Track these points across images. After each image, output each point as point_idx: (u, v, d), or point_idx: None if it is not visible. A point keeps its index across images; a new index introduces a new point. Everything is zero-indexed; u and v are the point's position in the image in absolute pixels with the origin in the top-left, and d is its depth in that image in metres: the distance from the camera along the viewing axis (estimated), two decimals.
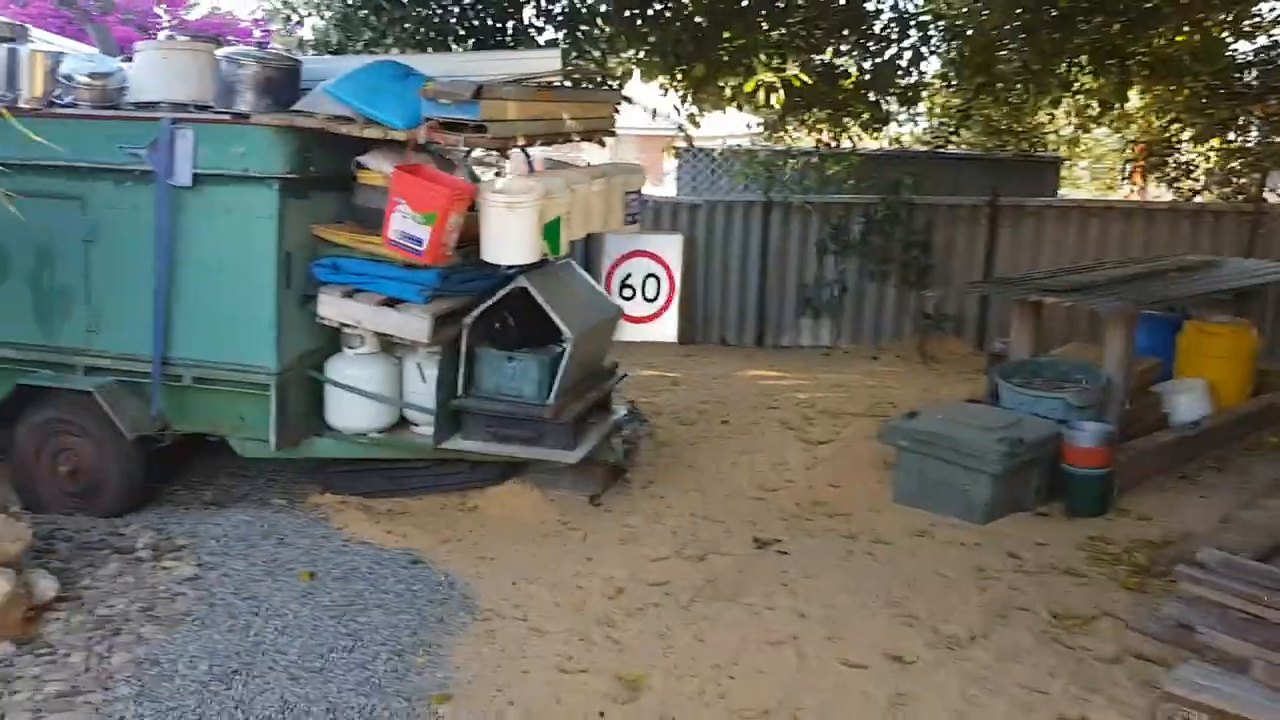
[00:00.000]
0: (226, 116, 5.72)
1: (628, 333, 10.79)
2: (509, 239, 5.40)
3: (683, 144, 9.50)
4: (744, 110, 9.42)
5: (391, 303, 5.81)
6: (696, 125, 9.23)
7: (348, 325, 5.86)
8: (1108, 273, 7.62)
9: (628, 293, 11.06)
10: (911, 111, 12.44)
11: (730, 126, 11.44)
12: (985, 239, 10.73)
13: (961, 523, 5.90)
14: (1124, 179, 16.24)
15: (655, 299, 11.04)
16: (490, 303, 5.98)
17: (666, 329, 10.98)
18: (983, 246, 10.74)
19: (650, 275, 11.04)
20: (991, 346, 9.69)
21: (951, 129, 12.87)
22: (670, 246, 11.04)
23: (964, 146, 13.25)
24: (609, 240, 10.71)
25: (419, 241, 5.16)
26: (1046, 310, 7.11)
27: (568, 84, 6.70)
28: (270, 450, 5.93)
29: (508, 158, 5.51)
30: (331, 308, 5.83)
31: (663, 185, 16.61)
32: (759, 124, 10.22)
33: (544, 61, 5.95)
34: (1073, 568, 5.36)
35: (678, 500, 6.26)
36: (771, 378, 9.36)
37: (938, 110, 13.54)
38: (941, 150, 12.35)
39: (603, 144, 6.87)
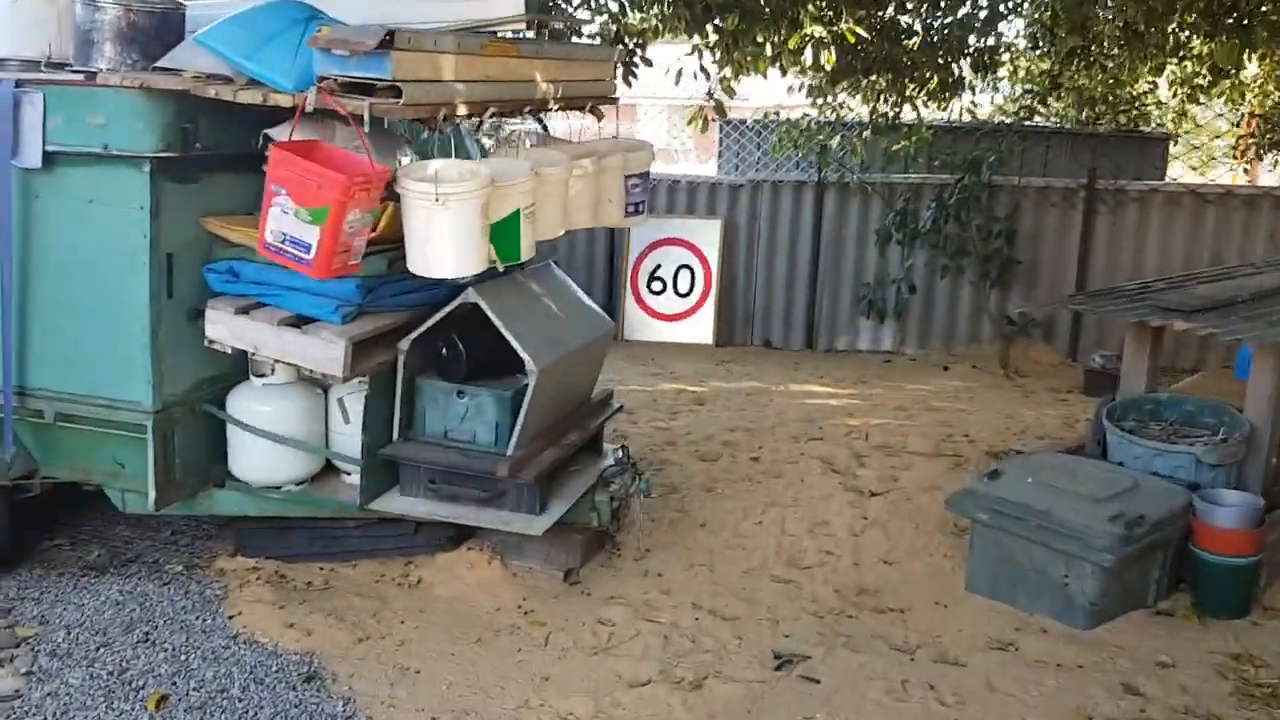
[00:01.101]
0: (80, 77, 4.34)
1: (656, 332, 9.37)
2: (440, 243, 3.96)
3: (715, 113, 7.92)
4: (788, 73, 7.83)
5: (301, 321, 4.41)
6: (731, 92, 7.68)
7: (244, 350, 4.47)
8: (1246, 281, 5.96)
9: (657, 286, 9.59)
10: (990, 79, 10.75)
11: (779, 95, 9.84)
12: (1080, 228, 9.07)
13: (1059, 626, 4.38)
14: (1235, 159, 14.34)
15: (688, 294, 9.55)
16: (433, 321, 4.56)
17: (700, 329, 9.49)
18: (1076, 237, 9.08)
19: (683, 266, 9.55)
20: (1089, 361, 8.10)
21: (1037, 99, 11.15)
22: (707, 233, 9.54)
23: (1052, 119, 11.51)
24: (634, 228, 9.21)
25: (305, 247, 3.74)
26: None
27: (547, 38, 5.22)
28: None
29: (440, 132, 4.04)
30: (221, 327, 4.44)
31: (706, 163, 15.05)
32: (807, 89, 8.60)
33: (503, 5, 4.47)
34: (1214, 712, 3.82)
35: (678, 581, 4.80)
36: (819, 395, 7.82)
37: (1021, 76, 11.81)
38: (1028, 124, 10.63)
39: (599, 114, 5.39)
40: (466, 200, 3.89)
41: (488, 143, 7.77)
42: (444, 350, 4.65)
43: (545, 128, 6.47)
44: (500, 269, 4.24)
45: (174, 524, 5.32)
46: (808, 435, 6.71)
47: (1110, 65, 10.66)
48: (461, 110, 4.07)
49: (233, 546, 5.07)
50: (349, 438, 4.72)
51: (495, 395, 4.60)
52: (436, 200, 3.83)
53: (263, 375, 4.66)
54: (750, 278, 9.66)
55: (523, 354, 4.44)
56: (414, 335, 4.57)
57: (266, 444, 4.63)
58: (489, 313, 4.46)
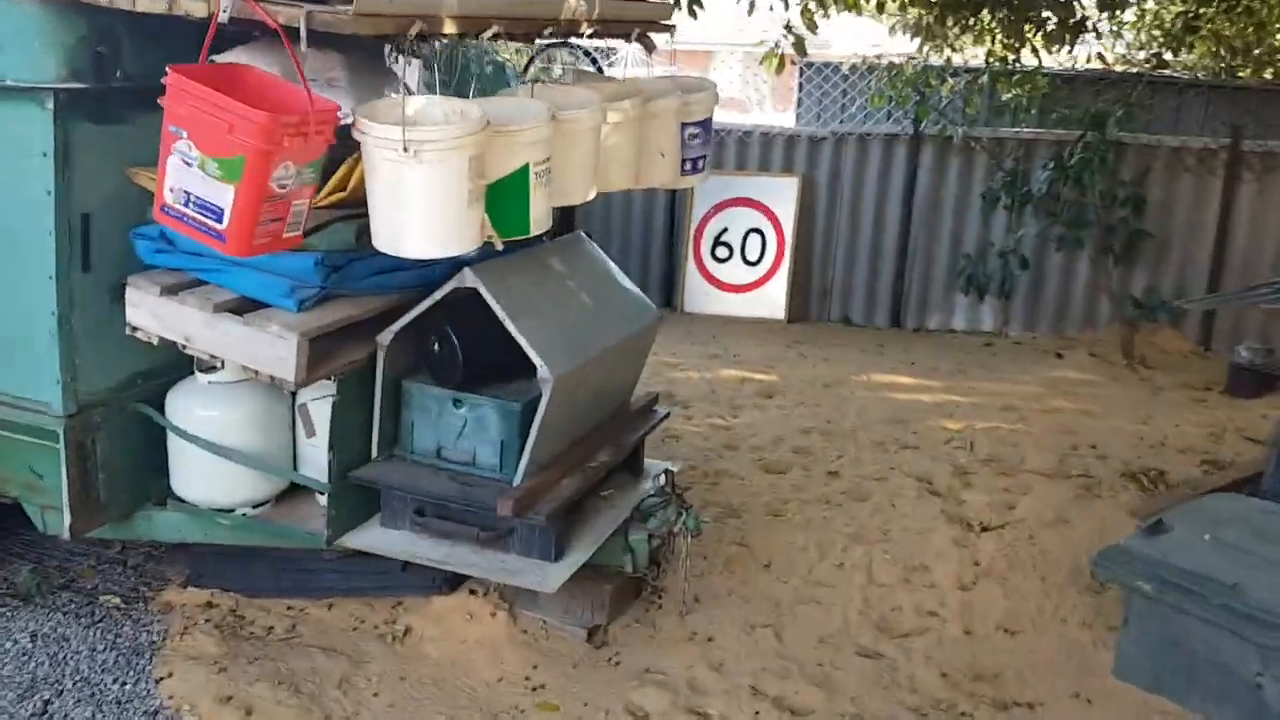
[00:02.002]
0: None
1: (720, 304, 8.24)
2: (412, 211, 2.88)
3: (794, 52, 6.72)
4: (887, 8, 6.60)
5: (247, 306, 3.39)
6: (813, 26, 6.47)
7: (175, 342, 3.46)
8: None
9: (722, 252, 8.44)
10: (1115, 21, 9.37)
11: (861, 42, 8.57)
12: (1219, 197, 7.72)
13: None
14: None
15: (759, 262, 8.39)
16: (421, 310, 3.50)
17: (770, 302, 8.33)
18: (1215, 207, 7.74)
19: (753, 230, 8.39)
20: (1235, 355, 6.81)
21: (1169, 46, 9.73)
22: (781, 193, 8.35)
23: (1185, 70, 10.06)
24: (697, 187, 8.06)
25: (215, 213, 2.68)
26: None
27: None
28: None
29: (415, 58, 2.94)
30: (144, 311, 3.43)
31: (783, 112, 13.77)
32: (912, 28, 7.34)
33: None
34: None
35: (734, 649, 3.73)
36: (909, 388, 6.65)
37: (1149, 21, 10.38)
38: (1162, 74, 9.23)
39: (649, 45, 4.25)
40: (449, 152, 2.80)
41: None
42: (437, 346, 3.60)
43: (596, 63, 5.31)
44: (499, 246, 3.15)
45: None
46: (898, 442, 5.56)
47: (1256, 9, 9.24)
48: (448, 27, 2.97)
49: (185, 573, 4.10)
50: (321, 452, 3.71)
51: (501, 407, 3.54)
52: (406, 151, 2.74)
53: (210, 371, 3.64)
54: (830, 245, 8.46)
55: (535, 357, 3.36)
56: (397, 327, 3.52)
57: (214, 457, 3.63)
58: (491, 302, 3.39)
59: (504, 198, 3.15)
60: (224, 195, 2.64)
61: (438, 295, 3.45)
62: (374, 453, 3.65)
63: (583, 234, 4.17)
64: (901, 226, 8.28)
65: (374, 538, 3.65)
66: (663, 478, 3.93)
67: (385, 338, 3.52)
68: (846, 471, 5.17)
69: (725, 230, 8.42)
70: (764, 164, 8.50)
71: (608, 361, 3.79)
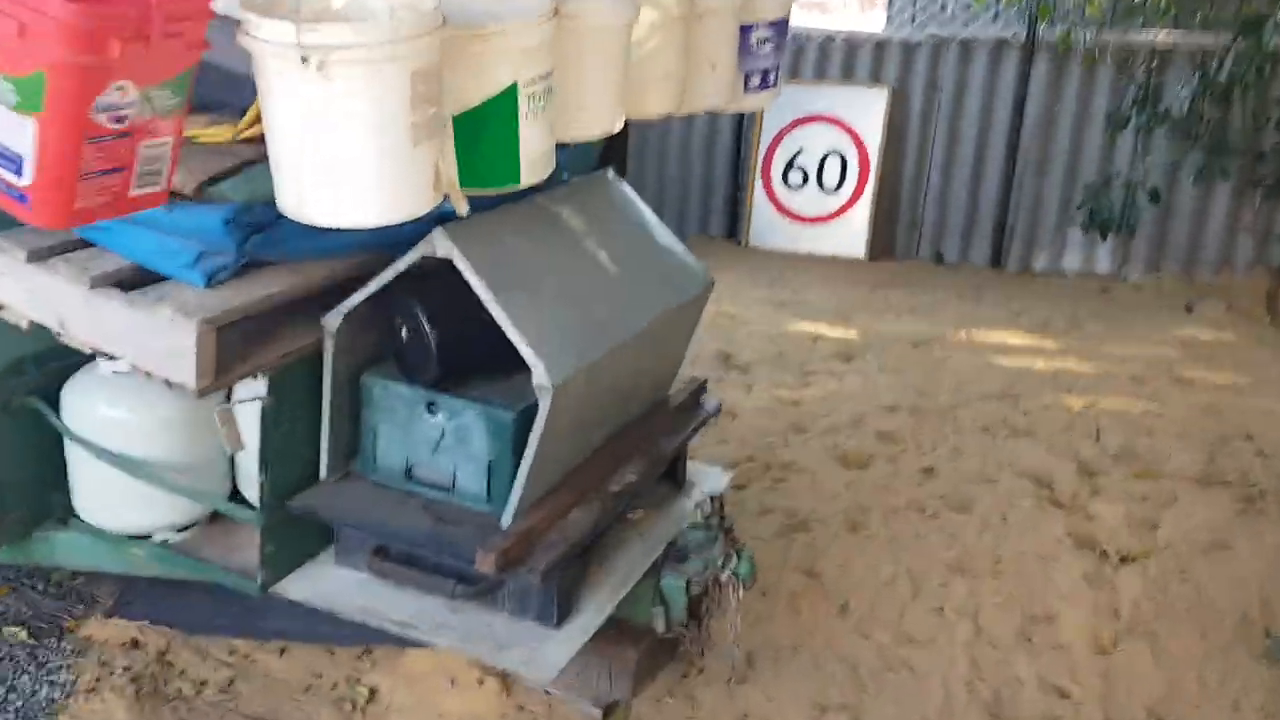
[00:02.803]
0: None
1: (791, 238, 7.21)
2: (320, 156, 1.90)
3: None
4: None
5: (141, 278, 2.47)
6: None
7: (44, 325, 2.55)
8: None
9: (796, 177, 7.35)
10: None
11: None
12: None
13: None
14: None
15: (838, 189, 7.29)
16: (378, 286, 2.55)
17: (850, 237, 7.25)
18: None
19: (833, 153, 7.28)
20: None
21: None
22: (867, 108, 7.21)
23: None
24: None
25: (13, 163, 1.73)
26: None
27: None
28: None
29: None
30: (10, 281, 2.52)
31: (870, 12, 12.37)
32: None
33: None
34: None
35: None
36: (1018, 349, 5.58)
37: None
38: None
39: None
40: (377, 66, 1.81)
41: None
42: (405, 332, 2.65)
43: None
44: (462, 210, 2.17)
45: None
46: (1007, 426, 4.54)
47: None
48: None
49: (110, 603, 3.27)
50: (241, 473, 2.82)
51: (488, 415, 2.59)
52: (306, 63, 1.76)
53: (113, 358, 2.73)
54: (922, 169, 7.32)
55: (528, 355, 2.40)
56: (348, 307, 2.57)
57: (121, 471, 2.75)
58: (470, 276, 2.42)
59: (480, 133, 2.17)
60: (22, 134, 1.69)
61: (400, 265, 2.49)
62: (323, 471, 2.74)
63: (610, 173, 3.16)
64: (1008, 150, 7.11)
65: (321, 585, 2.75)
66: (707, 504, 2.96)
67: (333, 321, 2.58)
68: (944, 467, 4.17)
69: (800, 152, 7.31)
70: (847, 74, 7.34)
71: (637, 349, 2.82)
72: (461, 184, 2.23)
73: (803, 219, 7.32)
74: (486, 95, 2.15)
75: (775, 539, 3.62)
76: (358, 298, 2.55)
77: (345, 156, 1.88)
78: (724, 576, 2.83)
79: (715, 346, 5.23)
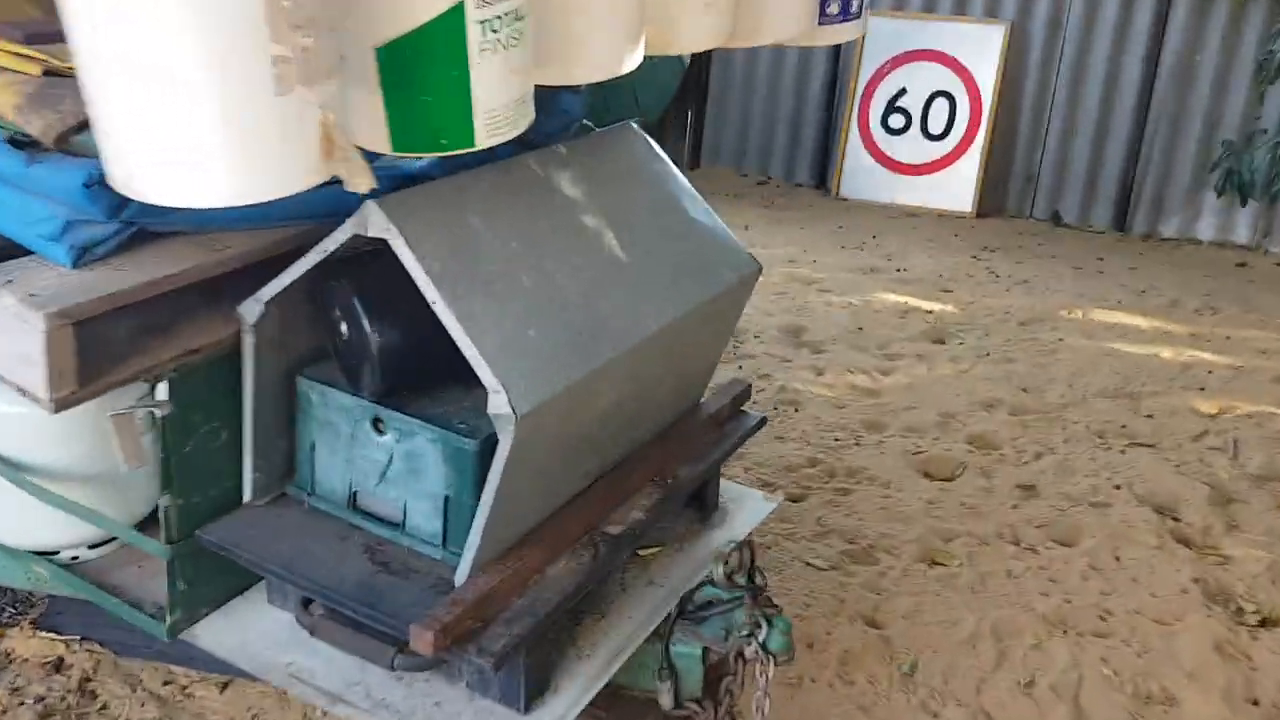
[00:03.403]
0: None
1: (888, 190, 6.48)
2: (152, 104, 1.29)
3: None
4: None
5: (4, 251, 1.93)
6: None
7: None
8: None
9: (897, 121, 6.56)
10: None
11: None
12: None
13: None
14: None
15: (944, 135, 6.48)
16: (305, 269, 1.95)
17: (956, 190, 6.46)
18: None
19: (941, 94, 6.47)
20: None
21: None
22: (982, 45, 6.37)
23: None
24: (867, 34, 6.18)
25: None
26: None
27: None
28: None
29: None
30: None
31: None
32: None
33: None
34: None
35: None
36: (1140, 333, 4.80)
37: None
38: None
39: None
40: None
41: None
42: (344, 329, 2.06)
43: None
44: (363, 187, 1.54)
45: None
46: (1125, 433, 3.81)
47: None
48: None
49: (36, 617, 2.80)
50: (132, 494, 2.28)
51: (444, 440, 2.00)
52: None
53: None
54: (1041, 117, 6.46)
55: (486, 378, 1.79)
56: (269, 293, 1.99)
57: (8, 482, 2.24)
58: (413, 270, 1.81)
59: (413, 74, 1.55)
60: None
61: (329, 246, 1.89)
62: (247, 493, 2.19)
63: (631, 126, 2.50)
64: (1140, 98, 6.22)
65: (243, 634, 2.21)
66: (735, 556, 2.33)
67: (251, 311, 2.00)
68: (1048, 483, 3.48)
69: (903, 92, 6.51)
70: (959, 6, 6.49)
71: (651, 357, 2.19)
72: (395, 146, 1.63)
73: (902, 168, 6.53)
74: (420, 20, 1.53)
75: (831, 572, 2.99)
76: (278, 284, 1.97)
77: (171, 106, 1.28)
78: (749, 651, 2.21)
79: (785, 319, 4.57)
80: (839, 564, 3.03)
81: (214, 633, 2.21)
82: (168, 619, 2.19)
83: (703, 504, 2.62)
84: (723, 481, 2.70)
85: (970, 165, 6.43)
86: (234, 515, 2.17)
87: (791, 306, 4.69)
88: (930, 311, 4.81)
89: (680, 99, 6.08)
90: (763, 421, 2.69)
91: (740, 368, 4.08)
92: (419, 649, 1.87)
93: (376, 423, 2.07)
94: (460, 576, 1.98)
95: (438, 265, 1.81)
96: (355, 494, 2.15)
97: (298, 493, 2.22)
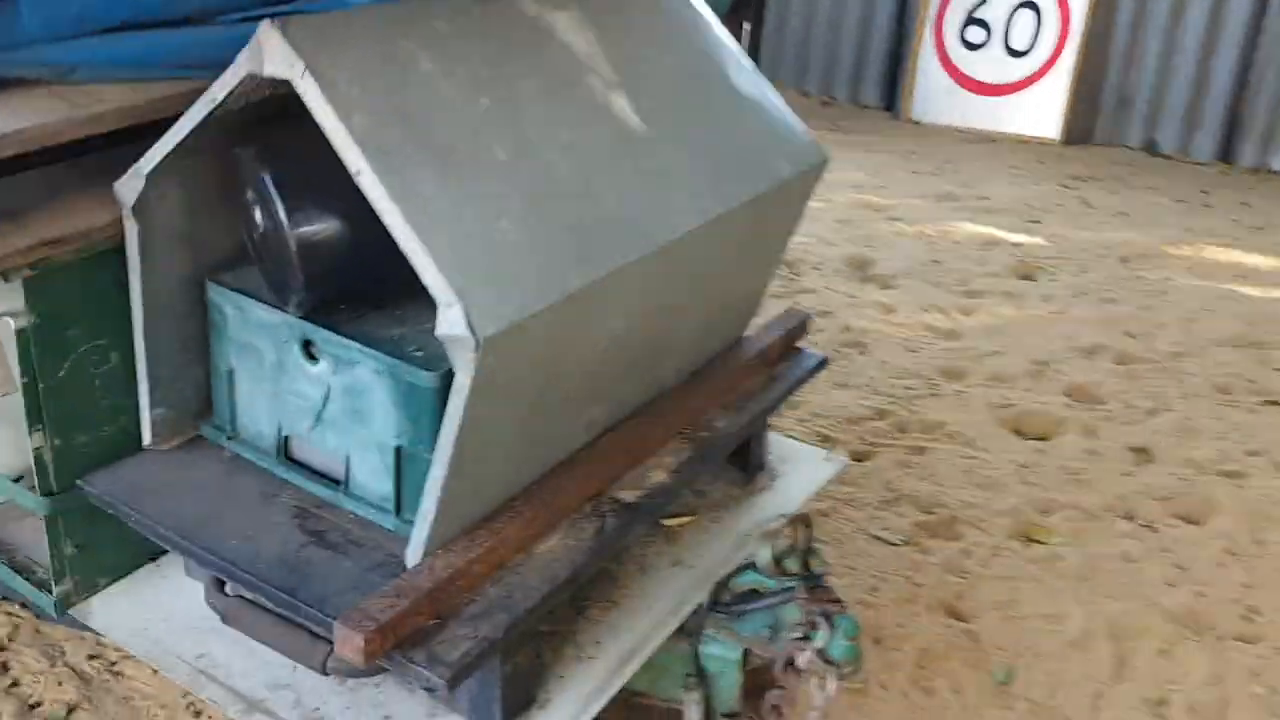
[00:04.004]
0: None
1: (966, 113, 5.83)
2: None
3: None
4: None
5: None
6: None
7: None
8: None
9: (976, 35, 5.87)
10: None
11: None
12: None
13: None
14: None
15: (1028, 52, 5.79)
16: (191, 127, 1.41)
17: (1041, 113, 5.77)
18: None
19: (1025, 5, 5.77)
20: None
21: None
22: None
23: None
24: None
25: None
26: None
27: None
28: None
29: None
30: None
31: None
32: None
33: None
34: None
35: None
36: (1260, 273, 4.13)
37: None
38: None
39: None
40: None
41: None
42: (260, 218, 1.52)
43: None
44: None
45: None
46: (1253, 388, 3.20)
47: None
48: None
49: None
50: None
51: (393, 372, 1.47)
52: None
53: None
54: (1139, 33, 5.73)
55: (436, 287, 1.25)
56: (149, 164, 1.45)
57: None
58: (329, 127, 1.26)
59: None
60: None
61: (219, 94, 1.35)
62: (146, 434, 1.67)
63: None
64: (1252, 13, 5.47)
65: (148, 614, 1.71)
66: (786, 535, 1.78)
67: (129, 190, 1.47)
68: (1165, 446, 2.88)
69: (983, 3, 5.82)
70: None
71: (677, 269, 1.63)
72: None
73: (981, 88, 5.85)
74: None
75: (904, 547, 2.44)
76: (159, 151, 1.43)
77: None
78: (803, 659, 1.67)
79: (850, 250, 3.97)
80: (913, 538, 2.48)
81: (112, 610, 1.73)
82: (54, 589, 1.70)
83: (746, 463, 2.07)
84: (772, 436, 2.16)
85: (1057, 86, 5.73)
86: (128, 462, 1.66)
87: (857, 236, 4.09)
88: (1017, 244, 4.18)
89: (735, 9, 5.46)
90: (823, 363, 2.13)
91: (795, 304, 3.50)
92: (345, 654, 1.35)
93: (308, 347, 1.54)
94: (412, 555, 1.45)
95: (365, 121, 1.27)
96: (286, 440, 1.63)
97: (215, 435, 1.70)
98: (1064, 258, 4.08)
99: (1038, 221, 4.44)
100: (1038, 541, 2.51)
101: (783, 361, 2.07)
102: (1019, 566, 2.42)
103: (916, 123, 5.94)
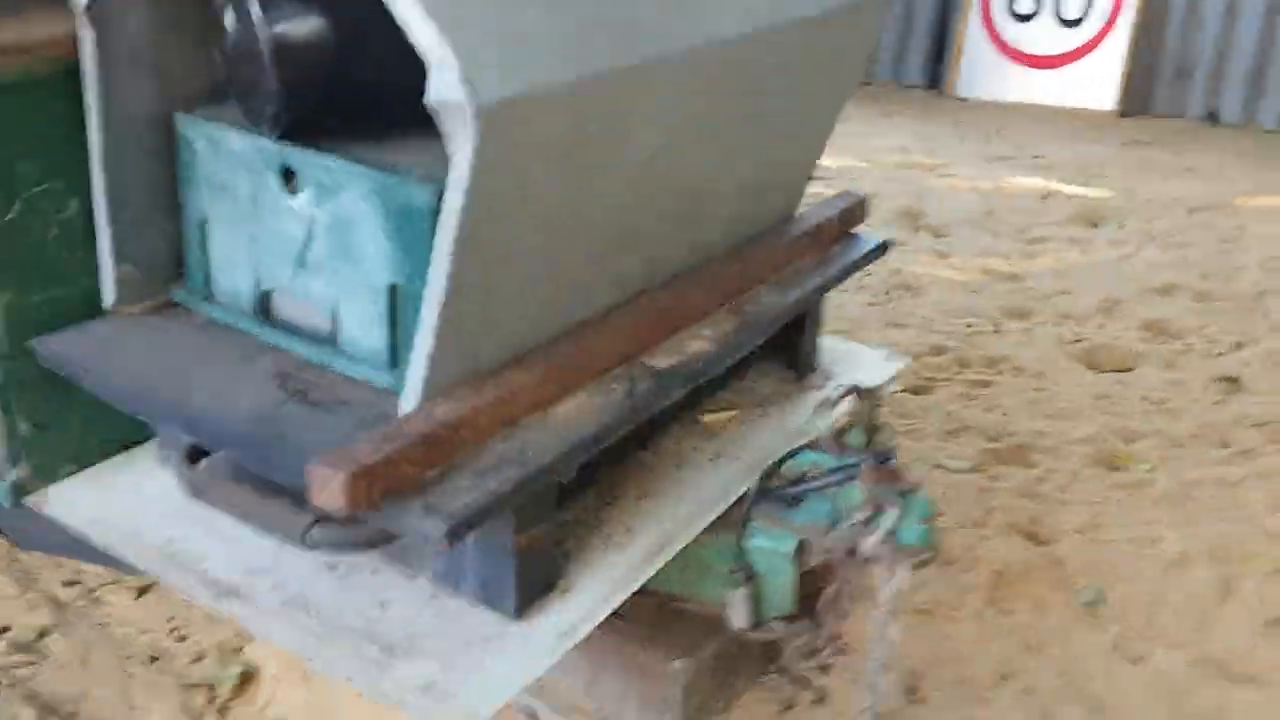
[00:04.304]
0: None
1: (1016, 86, 5.59)
2: None
3: None
4: None
5: None
6: None
7: None
8: None
9: (1025, 6, 5.64)
10: None
11: None
12: None
13: None
14: None
15: (1081, 21, 5.55)
16: None
17: (1095, 84, 5.51)
18: None
19: None
20: None
21: None
22: None
23: None
24: None
25: None
26: None
27: None
28: None
29: None
30: None
31: None
32: None
33: None
34: None
35: None
36: None
37: None
38: None
39: None
40: None
41: None
42: (228, 20, 1.32)
43: None
44: None
45: None
46: None
47: None
48: None
49: None
50: None
51: (384, 190, 1.26)
52: None
53: None
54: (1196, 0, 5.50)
55: (425, 39, 1.04)
56: None
57: None
58: None
59: None
60: None
61: None
62: (108, 295, 1.47)
63: None
64: None
65: (104, 503, 1.51)
66: (845, 405, 1.55)
67: None
68: (1255, 376, 2.62)
69: None
70: None
71: (723, 85, 1.42)
72: None
73: (1032, 60, 5.61)
74: None
75: (971, 475, 2.20)
76: None
77: None
78: (869, 543, 1.43)
79: (899, 202, 3.75)
80: (980, 465, 2.23)
81: (71, 498, 1.52)
82: (7, 476, 1.49)
83: (796, 358, 1.84)
84: (826, 339, 1.93)
85: (1112, 56, 5.48)
86: (89, 326, 1.46)
87: (906, 190, 3.86)
88: (1077, 196, 3.93)
89: None
90: (883, 247, 1.90)
91: None
92: (323, 501, 1.13)
93: (287, 176, 1.34)
94: (408, 401, 1.24)
95: None
96: (267, 295, 1.43)
97: (188, 300, 1.50)
98: (1132, 208, 3.82)
99: (1101, 174, 4.19)
100: (1121, 468, 2.25)
101: (838, 244, 1.85)
102: (1102, 492, 2.16)
103: (963, 99, 5.70)
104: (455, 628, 1.31)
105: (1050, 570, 1.91)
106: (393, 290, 1.30)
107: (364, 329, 1.34)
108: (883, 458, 1.47)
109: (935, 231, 3.53)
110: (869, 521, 1.43)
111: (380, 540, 1.32)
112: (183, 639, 1.83)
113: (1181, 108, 5.53)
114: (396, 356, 1.33)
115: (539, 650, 1.28)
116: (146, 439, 1.59)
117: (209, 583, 1.36)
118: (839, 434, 1.49)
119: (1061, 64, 5.57)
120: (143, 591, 1.93)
